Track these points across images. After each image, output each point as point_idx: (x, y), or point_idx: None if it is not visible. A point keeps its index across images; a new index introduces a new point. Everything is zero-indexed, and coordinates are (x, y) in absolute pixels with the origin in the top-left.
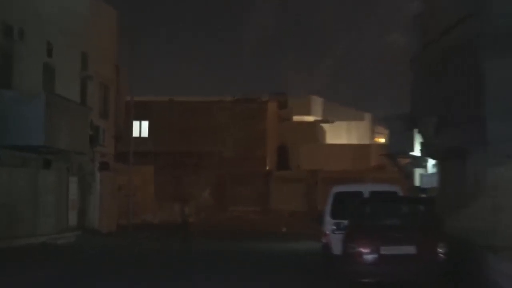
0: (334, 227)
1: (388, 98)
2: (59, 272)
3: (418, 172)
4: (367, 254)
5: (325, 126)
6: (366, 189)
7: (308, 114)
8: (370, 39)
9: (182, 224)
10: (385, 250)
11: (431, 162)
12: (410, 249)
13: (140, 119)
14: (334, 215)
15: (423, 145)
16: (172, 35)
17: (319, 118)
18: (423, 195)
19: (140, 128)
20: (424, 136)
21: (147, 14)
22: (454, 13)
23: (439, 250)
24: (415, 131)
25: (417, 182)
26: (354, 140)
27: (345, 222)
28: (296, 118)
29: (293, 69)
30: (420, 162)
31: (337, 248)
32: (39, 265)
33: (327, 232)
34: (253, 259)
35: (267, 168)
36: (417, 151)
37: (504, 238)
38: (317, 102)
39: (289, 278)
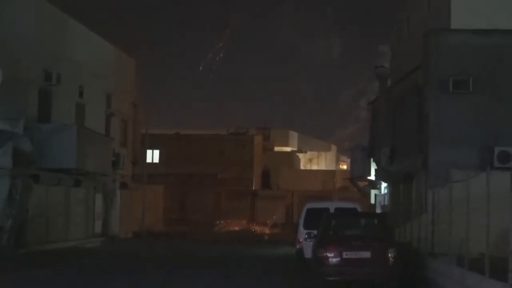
0: (306, 236)
1: (350, 133)
2: (88, 267)
3: (373, 192)
4: (333, 257)
5: (300, 155)
6: (332, 205)
7: (286, 145)
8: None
9: None
10: (347, 254)
11: (383, 184)
12: (366, 254)
13: (153, 147)
14: (306, 226)
15: (377, 171)
16: (178, 78)
17: (295, 149)
18: (377, 211)
19: (153, 155)
20: (378, 163)
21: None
22: (405, 66)
23: (390, 255)
24: (372, 160)
25: (372, 200)
26: (322, 166)
27: (315, 232)
28: (277, 148)
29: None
30: (375, 184)
31: (308, 252)
32: (73, 262)
33: (301, 240)
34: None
35: (254, 187)
36: (373, 176)
37: (441, 245)
38: (294, 136)
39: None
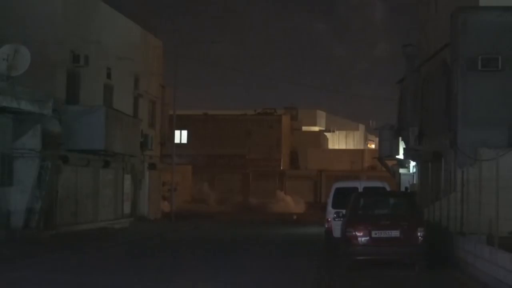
0: (335, 215)
1: (378, 112)
2: (119, 247)
3: (401, 171)
4: (361, 237)
5: (328, 134)
6: (360, 185)
7: (314, 124)
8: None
9: None
10: (376, 233)
11: (412, 163)
12: (395, 233)
13: (181, 128)
14: (335, 206)
15: (406, 150)
16: (206, 60)
17: (322, 128)
18: (406, 190)
19: (181, 136)
20: (407, 143)
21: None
22: (433, 45)
23: (419, 234)
24: (400, 139)
25: (401, 180)
26: (350, 146)
27: (344, 211)
28: (304, 128)
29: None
30: (403, 163)
31: (337, 232)
32: (102, 242)
33: (329, 219)
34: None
35: (282, 168)
36: (401, 155)
37: (470, 224)
38: (321, 115)
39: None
